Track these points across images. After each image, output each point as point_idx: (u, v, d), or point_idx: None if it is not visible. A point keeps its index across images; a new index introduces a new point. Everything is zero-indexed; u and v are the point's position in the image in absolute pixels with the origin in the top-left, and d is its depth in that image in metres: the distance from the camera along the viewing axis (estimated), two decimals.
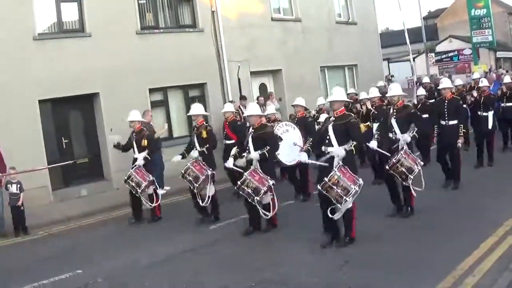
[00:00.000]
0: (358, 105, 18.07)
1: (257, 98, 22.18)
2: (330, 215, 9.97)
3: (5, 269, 11.46)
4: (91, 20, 19.08)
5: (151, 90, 20.47)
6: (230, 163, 12.44)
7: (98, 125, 19.35)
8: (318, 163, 10.42)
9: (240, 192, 11.74)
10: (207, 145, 13.20)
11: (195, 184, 12.87)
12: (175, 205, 16.14)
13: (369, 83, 23.82)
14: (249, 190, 11.37)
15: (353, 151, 10.01)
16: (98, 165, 19.40)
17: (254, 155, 11.67)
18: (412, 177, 11.39)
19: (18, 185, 14.74)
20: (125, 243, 12.64)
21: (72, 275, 10.58)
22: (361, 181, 9.98)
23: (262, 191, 11.29)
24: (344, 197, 9.66)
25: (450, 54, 54.46)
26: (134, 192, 13.86)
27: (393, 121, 11.86)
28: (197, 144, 13.31)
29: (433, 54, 53.62)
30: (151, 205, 14.20)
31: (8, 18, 17.33)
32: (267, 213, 11.61)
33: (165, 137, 19.20)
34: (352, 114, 10.65)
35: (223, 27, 22.33)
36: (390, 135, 11.93)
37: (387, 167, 11.58)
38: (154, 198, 14.25)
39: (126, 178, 14.02)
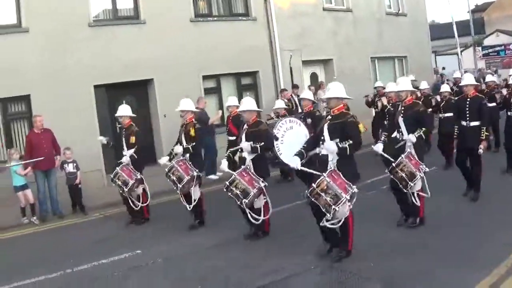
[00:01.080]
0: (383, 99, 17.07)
1: (309, 87, 21.53)
2: (322, 224, 8.56)
3: (64, 249, 11.23)
4: (146, 7, 18.69)
5: (205, 77, 19.94)
6: (224, 165, 10.71)
7: (152, 111, 18.97)
8: (310, 171, 8.74)
9: (229, 194, 10.11)
10: (194, 143, 11.72)
11: (178, 185, 11.40)
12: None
13: (418, 75, 22.97)
14: (238, 192, 9.87)
15: (347, 150, 8.40)
16: (151, 150, 18.79)
17: (245, 145, 10.25)
18: (412, 184, 9.71)
19: (74, 164, 14.72)
20: (182, 226, 11.91)
21: (132, 255, 10.38)
22: (355, 189, 8.37)
23: (252, 193, 9.80)
24: (333, 206, 8.14)
25: (496, 49, 52.69)
26: (121, 192, 12.59)
27: (400, 120, 10.22)
28: (184, 142, 11.87)
29: (479, 48, 52.02)
30: (138, 205, 12.62)
31: (65, 5, 17.06)
32: (257, 217, 10.09)
33: (218, 124, 18.57)
34: (350, 113, 8.97)
35: (276, 16, 21.62)
36: (397, 135, 10.30)
37: (386, 170, 10.03)
38: (142, 198, 12.69)
39: (112, 176, 12.61)
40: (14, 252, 11.56)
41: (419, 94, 16.27)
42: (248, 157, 10.33)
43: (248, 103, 10.63)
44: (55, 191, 14.62)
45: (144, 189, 12.73)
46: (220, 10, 21.00)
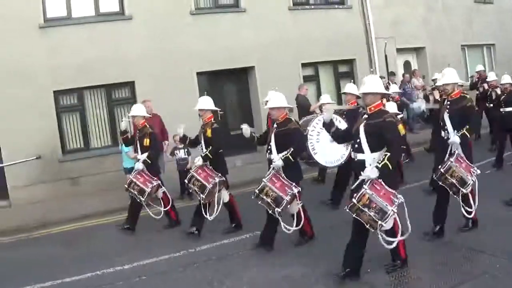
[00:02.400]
0: (485, 85, 15.66)
1: (403, 75, 20.55)
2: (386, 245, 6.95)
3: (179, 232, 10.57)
4: None
5: (303, 65, 18.96)
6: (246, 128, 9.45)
7: (252, 97, 18.18)
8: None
9: (259, 202, 8.56)
10: (211, 148, 9.96)
11: (201, 195, 9.76)
12: None
13: (506, 64, 21.79)
14: (269, 200, 8.35)
15: (388, 166, 6.68)
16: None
17: (278, 162, 8.50)
18: (465, 190, 8.10)
19: (186, 150, 14.00)
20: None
21: (252, 235, 9.70)
22: (401, 199, 6.78)
23: (285, 201, 8.26)
24: (379, 222, 6.61)
25: None
26: (138, 201, 10.82)
27: (446, 116, 8.63)
28: (203, 145, 10.20)
29: None
30: (163, 209, 11.11)
31: None
32: (289, 227, 8.60)
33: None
34: (389, 112, 7.30)
35: (370, 4, 20.47)
36: (442, 133, 8.72)
37: (434, 177, 8.46)
38: (163, 202, 11.18)
39: (127, 186, 10.89)
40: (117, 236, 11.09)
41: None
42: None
43: (277, 99, 8.85)
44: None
45: (164, 192, 11.11)
46: None
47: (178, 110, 15.32)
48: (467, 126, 8.38)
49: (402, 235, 6.95)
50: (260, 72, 18.00)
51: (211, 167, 9.96)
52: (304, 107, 15.38)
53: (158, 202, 11.20)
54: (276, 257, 8.60)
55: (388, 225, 6.79)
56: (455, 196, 8.25)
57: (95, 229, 12.09)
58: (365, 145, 6.97)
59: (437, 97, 11.61)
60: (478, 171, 8.29)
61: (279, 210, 8.27)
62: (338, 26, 19.45)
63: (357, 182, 6.94)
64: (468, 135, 8.44)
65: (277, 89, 9.05)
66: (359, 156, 7.05)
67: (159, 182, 10.95)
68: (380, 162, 6.69)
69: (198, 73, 17.15)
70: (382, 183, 6.74)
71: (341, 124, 10.15)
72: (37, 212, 13.77)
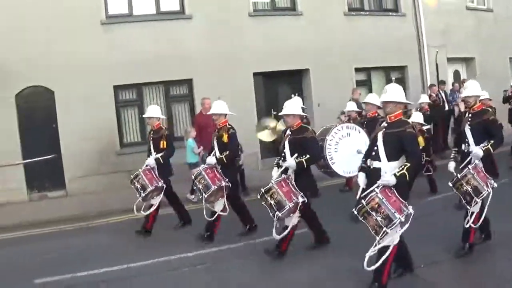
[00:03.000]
0: None
1: (452, 84, 20.15)
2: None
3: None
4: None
5: (356, 69, 18.75)
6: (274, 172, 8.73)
7: (306, 99, 17.98)
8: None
9: (262, 203, 8.21)
10: (227, 152, 9.54)
11: (203, 194, 9.37)
12: None
13: None
14: (272, 202, 8.00)
15: (406, 176, 6.43)
16: None
17: (290, 162, 8.20)
18: (478, 200, 7.56)
19: (240, 146, 13.58)
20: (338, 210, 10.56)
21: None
22: (410, 210, 6.43)
23: (287, 207, 7.91)
24: (385, 228, 6.26)
25: None
26: (137, 196, 10.30)
27: (467, 129, 8.12)
28: (216, 149, 9.73)
29: None
30: (146, 213, 10.53)
31: None
32: (277, 236, 8.29)
33: None
34: (410, 122, 7.17)
35: (423, 12, 20.18)
36: (463, 146, 8.24)
37: (450, 183, 7.86)
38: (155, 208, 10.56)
39: (132, 177, 10.47)
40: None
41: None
42: (291, 169, 8.35)
43: (292, 106, 8.53)
44: None
45: (160, 201, 10.57)
46: (371, 5, 19.66)
47: (234, 108, 15.25)
48: (491, 141, 7.86)
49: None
50: (314, 75, 17.83)
51: (220, 170, 9.61)
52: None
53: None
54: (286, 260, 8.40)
55: (386, 240, 6.44)
56: (467, 207, 7.67)
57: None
58: (382, 154, 6.76)
59: (463, 109, 10.68)
60: (495, 184, 7.76)
61: (279, 214, 7.92)
62: (391, 33, 19.17)
63: (370, 189, 6.61)
64: (492, 150, 7.87)
65: (296, 95, 8.84)
66: (375, 164, 6.83)
67: (163, 186, 10.47)
68: (398, 171, 6.44)
69: (254, 74, 17.07)
70: (394, 191, 6.47)
71: (361, 134, 10.06)
72: (94, 202, 13.75)
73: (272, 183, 8.13)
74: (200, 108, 14.65)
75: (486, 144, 7.81)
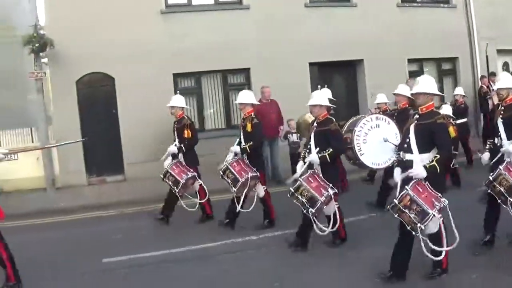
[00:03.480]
0: None
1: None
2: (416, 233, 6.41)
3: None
4: None
5: (409, 60, 18.52)
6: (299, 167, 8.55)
7: (360, 90, 17.89)
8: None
9: (294, 201, 8.08)
10: (251, 142, 9.46)
11: (233, 188, 9.34)
12: None
13: None
14: (304, 200, 7.88)
15: (436, 168, 6.32)
16: None
17: (314, 156, 8.10)
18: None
19: (298, 134, 13.90)
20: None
21: (368, 217, 9.73)
22: (444, 202, 6.33)
23: (319, 202, 7.79)
24: (419, 224, 6.20)
25: None
26: (174, 191, 10.25)
27: (499, 122, 7.77)
28: (242, 139, 9.68)
29: None
30: (199, 202, 10.52)
31: None
32: (324, 228, 8.07)
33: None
34: (440, 113, 6.94)
35: (474, 4, 19.93)
36: (496, 140, 7.85)
37: (484, 183, 7.58)
38: (200, 195, 10.57)
39: (163, 176, 10.37)
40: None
41: None
42: (316, 164, 8.21)
43: (319, 96, 8.35)
44: (278, 158, 14.31)
45: (201, 185, 10.48)
46: None
47: (290, 97, 15.26)
48: None
49: (447, 243, 6.51)
50: (368, 66, 17.70)
51: (247, 161, 9.54)
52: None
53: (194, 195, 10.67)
54: (306, 256, 8.21)
55: (429, 229, 6.34)
56: (504, 206, 7.38)
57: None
58: (414, 146, 6.61)
59: (496, 101, 9.98)
60: None
61: (313, 210, 7.80)
62: (442, 24, 18.81)
63: (402, 175, 6.60)
64: None
65: (321, 88, 8.65)
66: (408, 156, 6.67)
67: (195, 174, 10.35)
68: (428, 163, 6.34)
69: (310, 63, 17.01)
70: (426, 185, 6.37)
71: (390, 125, 9.64)
72: (152, 187, 13.75)
73: (300, 180, 8.00)
74: (258, 96, 14.62)
75: None
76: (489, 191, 7.49)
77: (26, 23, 15.43)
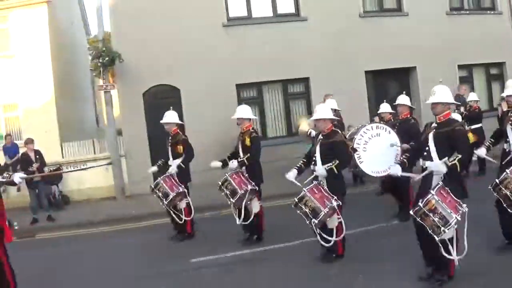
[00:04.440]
0: None
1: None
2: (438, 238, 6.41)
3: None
4: (409, 0, 18.19)
5: (459, 67, 18.90)
6: (291, 174, 8.53)
7: (413, 96, 18.28)
8: (412, 175, 7.11)
9: (298, 211, 7.97)
10: (248, 154, 9.47)
11: (231, 199, 9.31)
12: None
13: None
14: (307, 210, 7.79)
15: (457, 167, 6.43)
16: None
17: (321, 171, 8.04)
18: None
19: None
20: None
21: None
22: (465, 208, 6.42)
23: (322, 213, 7.68)
24: (442, 228, 6.27)
25: None
26: (161, 204, 10.34)
27: (509, 128, 7.81)
28: (241, 152, 9.68)
29: None
30: (181, 220, 10.39)
31: None
32: (328, 238, 8.00)
33: None
34: (459, 121, 7.28)
35: None
36: (505, 145, 7.88)
37: (490, 187, 7.54)
38: (184, 212, 10.43)
39: (153, 186, 10.41)
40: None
41: None
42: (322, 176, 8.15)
43: (323, 110, 8.34)
44: None
45: (188, 203, 10.45)
46: (470, 4, 19.81)
47: (348, 104, 15.67)
48: None
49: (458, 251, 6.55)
50: (421, 72, 18.10)
51: (246, 175, 9.53)
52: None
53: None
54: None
55: (449, 234, 6.40)
56: (509, 210, 7.34)
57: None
58: (434, 154, 6.69)
59: (505, 108, 10.04)
60: None
61: (316, 221, 7.71)
62: (489, 30, 19.13)
63: (422, 174, 6.78)
64: None
65: (331, 97, 8.63)
66: (428, 164, 6.73)
67: (185, 191, 10.37)
68: (451, 160, 6.44)
69: (366, 71, 17.50)
70: (449, 191, 6.43)
71: (391, 134, 9.67)
72: (216, 195, 14.16)
73: (304, 191, 7.88)
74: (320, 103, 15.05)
75: None
76: (495, 194, 7.47)
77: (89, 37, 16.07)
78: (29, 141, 14.28)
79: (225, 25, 16.45)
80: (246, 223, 9.62)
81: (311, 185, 7.96)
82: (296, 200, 7.91)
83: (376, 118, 12.87)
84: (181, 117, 15.87)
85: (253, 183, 9.41)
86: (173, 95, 16.25)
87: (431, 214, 6.28)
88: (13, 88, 17.72)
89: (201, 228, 10.95)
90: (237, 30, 16.59)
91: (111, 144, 16.12)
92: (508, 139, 7.74)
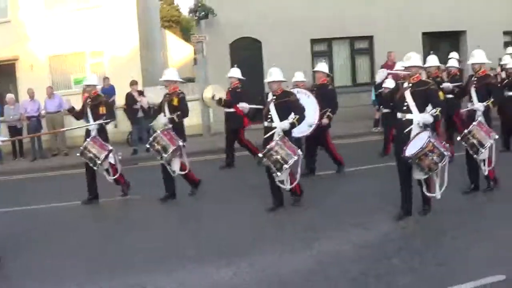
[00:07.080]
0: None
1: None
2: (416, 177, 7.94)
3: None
4: None
5: (504, 33, 20.07)
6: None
7: (463, 58, 19.57)
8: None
9: (263, 161, 8.67)
10: (178, 113, 9.85)
11: (163, 155, 9.64)
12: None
13: None
14: (278, 157, 8.47)
15: (439, 116, 7.74)
16: None
17: (284, 124, 8.66)
18: (483, 150, 8.74)
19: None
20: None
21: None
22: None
23: (293, 159, 8.51)
24: (439, 163, 7.58)
25: None
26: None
27: (473, 91, 9.24)
28: (166, 111, 10.04)
29: None
30: (112, 178, 10.60)
31: None
32: (285, 186, 8.88)
33: None
34: (431, 81, 8.34)
35: None
36: (468, 104, 9.34)
37: (458, 138, 9.11)
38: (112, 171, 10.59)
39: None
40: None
41: None
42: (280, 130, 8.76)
43: (276, 73, 8.94)
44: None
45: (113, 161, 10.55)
46: None
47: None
48: (492, 99, 8.97)
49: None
50: (470, 36, 19.41)
51: (173, 132, 9.91)
52: None
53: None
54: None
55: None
56: (475, 156, 8.81)
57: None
58: (413, 107, 7.79)
59: (503, 76, 12.78)
60: (496, 136, 8.92)
61: (287, 166, 8.48)
62: None
63: (410, 127, 7.84)
64: (491, 107, 9.02)
65: (274, 65, 9.21)
66: (408, 116, 7.85)
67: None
68: (434, 112, 7.67)
69: (423, 33, 19.04)
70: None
71: (310, 99, 10.63)
72: None
73: (276, 141, 8.58)
74: (384, 60, 17.00)
75: (488, 101, 8.94)
76: (463, 143, 8.91)
77: None
78: (134, 83, 16.18)
79: None
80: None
81: (278, 138, 8.65)
82: (265, 151, 8.60)
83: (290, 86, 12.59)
84: (262, 68, 17.81)
85: (182, 140, 9.95)
86: (256, 48, 18.28)
87: (430, 154, 7.50)
88: (100, 36, 19.62)
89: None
90: None
91: (199, 88, 17.99)
92: (471, 99, 9.24)
